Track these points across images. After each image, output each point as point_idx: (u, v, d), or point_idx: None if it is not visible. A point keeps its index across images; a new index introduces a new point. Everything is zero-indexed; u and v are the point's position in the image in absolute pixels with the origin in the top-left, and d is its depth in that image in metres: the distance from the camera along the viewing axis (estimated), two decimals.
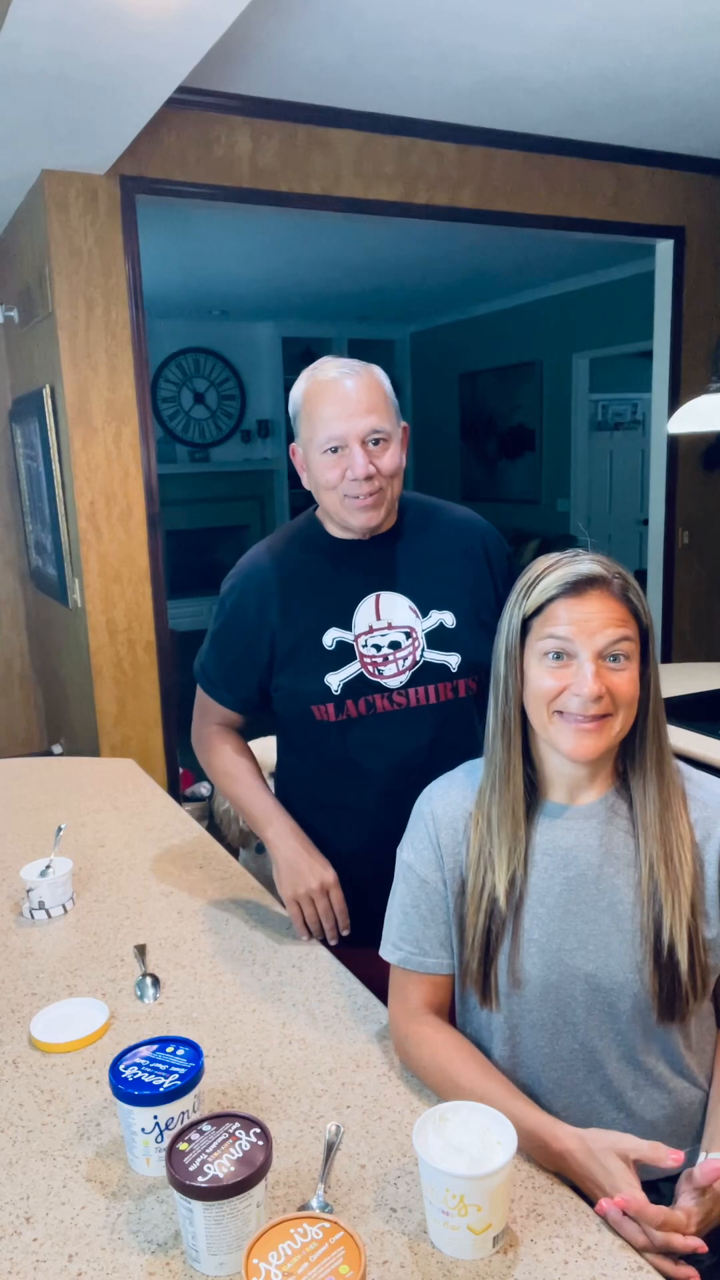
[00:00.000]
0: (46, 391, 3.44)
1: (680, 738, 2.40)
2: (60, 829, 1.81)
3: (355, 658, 1.48)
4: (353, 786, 1.53)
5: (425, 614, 1.49)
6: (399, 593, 1.49)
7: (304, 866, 1.47)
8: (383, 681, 1.48)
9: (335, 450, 1.39)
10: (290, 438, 1.52)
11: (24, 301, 3.69)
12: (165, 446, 7.92)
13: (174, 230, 4.63)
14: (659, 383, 4.40)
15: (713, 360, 2.62)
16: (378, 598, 1.49)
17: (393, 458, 1.41)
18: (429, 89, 3.17)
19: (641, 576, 4.90)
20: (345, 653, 1.48)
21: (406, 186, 3.57)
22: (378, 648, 1.48)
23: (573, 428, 6.92)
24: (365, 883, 1.44)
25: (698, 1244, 0.93)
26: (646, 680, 1.10)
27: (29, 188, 3.29)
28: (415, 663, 1.48)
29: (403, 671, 1.48)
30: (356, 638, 1.48)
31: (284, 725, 1.60)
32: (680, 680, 2.91)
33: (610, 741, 1.08)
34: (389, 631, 1.48)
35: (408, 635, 1.48)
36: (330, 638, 1.48)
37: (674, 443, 4.36)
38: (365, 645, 1.48)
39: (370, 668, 1.48)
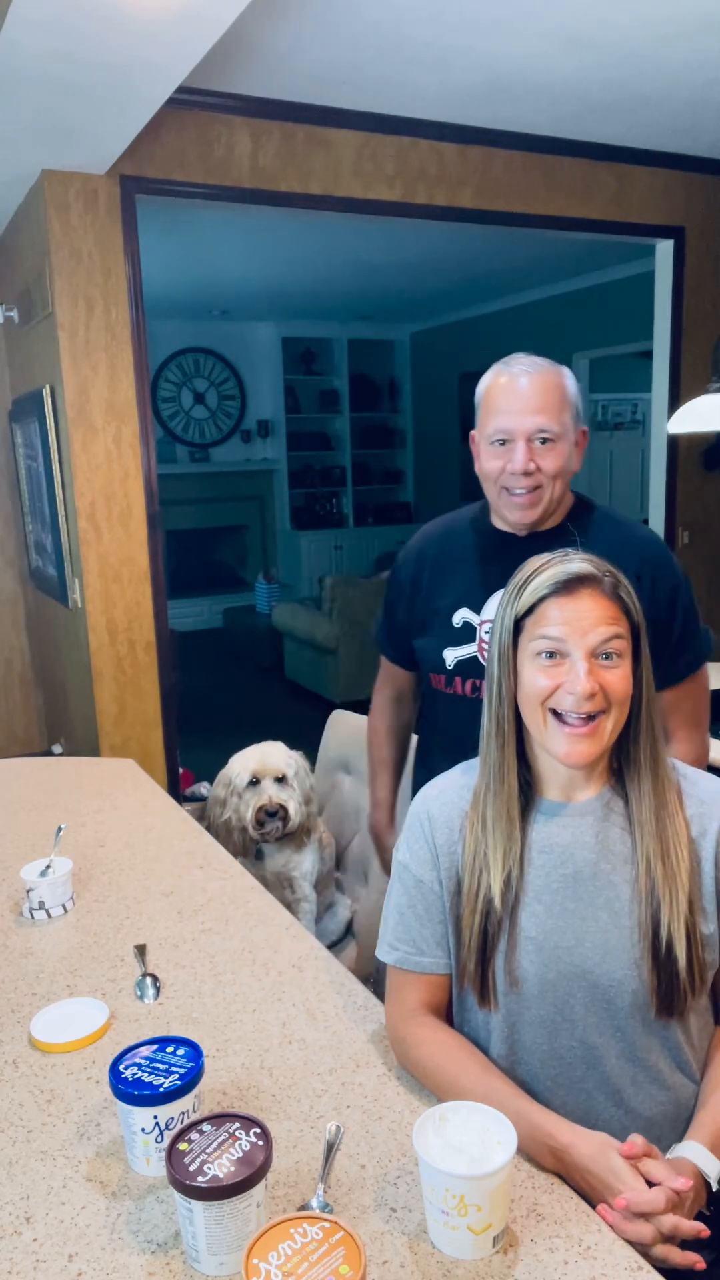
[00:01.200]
0: (46, 391, 3.44)
1: None
2: (60, 829, 1.81)
3: (474, 640, 1.54)
4: (448, 759, 1.58)
5: None
6: None
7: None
8: None
9: (502, 443, 1.45)
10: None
11: (24, 301, 3.69)
12: (165, 446, 7.92)
13: (174, 230, 4.63)
14: (659, 383, 4.39)
15: (713, 360, 2.62)
16: None
17: (557, 458, 1.45)
18: (429, 89, 3.17)
19: None
20: (468, 633, 1.55)
21: (406, 186, 3.57)
22: None
23: None
24: None
25: (700, 1228, 0.94)
26: (639, 678, 1.10)
27: (29, 188, 3.29)
28: None
29: None
30: (481, 623, 1.54)
31: (423, 689, 1.72)
32: None
33: (604, 744, 1.09)
34: None
35: None
36: (459, 617, 1.56)
37: (674, 443, 4.36)
38: (487, 632, 1.54)
39: (486, 654, 1.52)
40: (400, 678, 1.77)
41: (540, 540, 1.51)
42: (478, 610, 1.55)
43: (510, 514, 1.49)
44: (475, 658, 1.54)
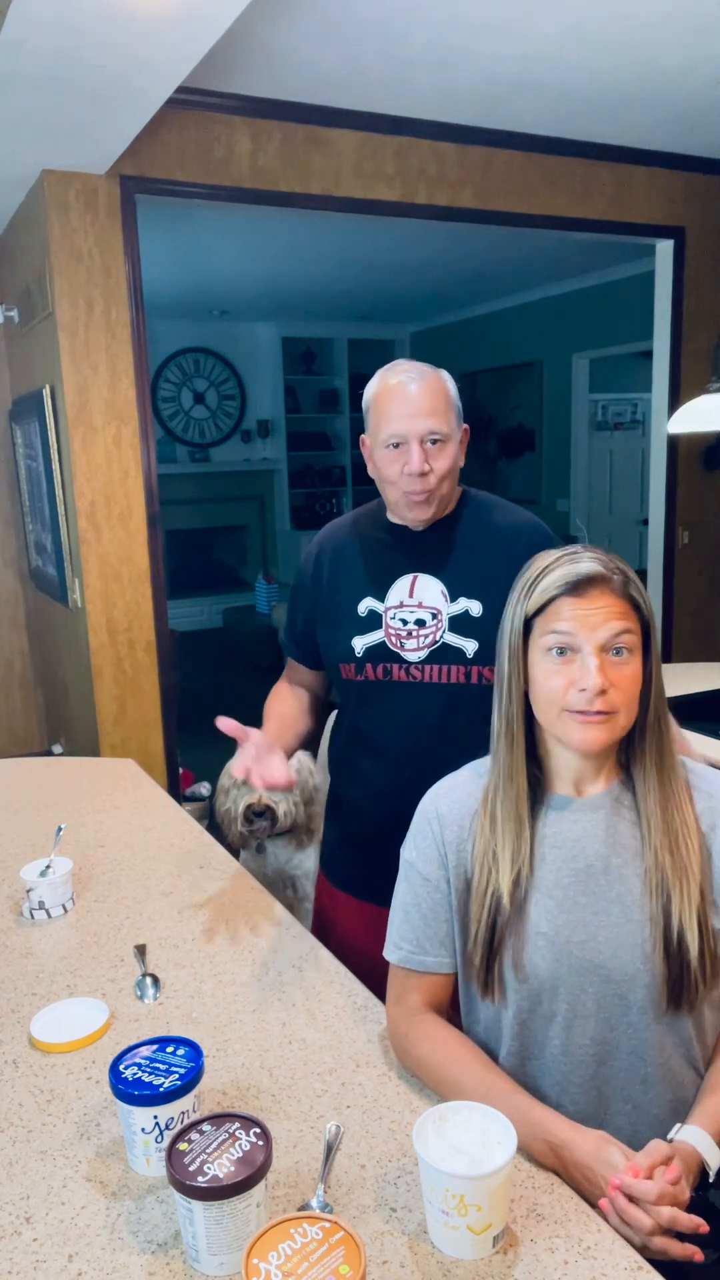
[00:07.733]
0: (46, 391, 3.44)
1: None
2: (60, 829, 1.81)
3: (381, 627, 1.59)
4: (367, 750, 1.66)
5: (454, 599, 1.58)
6: (435, 576, 1.60)
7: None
8: (402, 654, 1.59)
9: (396, 446, 1.51)
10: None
11: (24, 301, 3.69)
12: (165, 446, 7.92)
13: (174, 230, 4.63)
14: (659, 383, 4.39)
15: (713, 360, 2.62)
16: (415, 578, 1.60)
17: (447, 459, 1.52)
18: (428, 89, 3.17)
19: (641, 576, 4.88)
20: (374, 621, 1.60)
21: (406, 186, 3.57)
22: (404, 622, 1.59)
23: (573, 428, 6.92)
24: (369, 837, 1.62)
25: (699, 1222, 0.94)
26: (648, 674, 1.11)
27: (29, 188, 3.29)
28: (435, 642, 1.58)
29: (422, 648, 1.58)
30: (386, 609, 1.60)
31: (335, 684, 1.75)
32: (680, 680, 2.91)
33: (617, 734, 1.10)
34: (417, 610, 1.59)
35: (433, 616, 1.58)
36: (364, 606, 1.61)
37: (674, 443, 4.36)
38: (393, 618, 1.59)
39: (393, 639, 1.59)
40: (305, 679, 1.80)
41: (434, 529, 1.60)
42: (381, 598, 1.60)
43: (409, 514, 1.56)
44: (384, 643, 1.60)
